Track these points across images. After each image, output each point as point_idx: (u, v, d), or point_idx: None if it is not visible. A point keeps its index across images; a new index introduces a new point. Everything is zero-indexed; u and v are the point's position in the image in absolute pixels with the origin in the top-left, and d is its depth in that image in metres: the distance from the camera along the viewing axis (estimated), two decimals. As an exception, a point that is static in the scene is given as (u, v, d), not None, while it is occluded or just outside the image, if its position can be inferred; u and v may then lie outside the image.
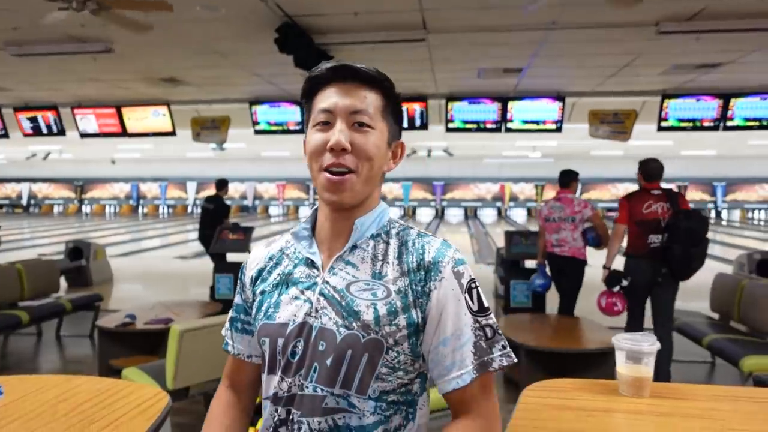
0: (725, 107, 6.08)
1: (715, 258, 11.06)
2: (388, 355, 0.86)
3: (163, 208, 25.85)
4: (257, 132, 7.03)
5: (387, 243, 0.93)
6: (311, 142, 0.92)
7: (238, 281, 1.06)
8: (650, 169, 4.07)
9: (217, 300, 5.41)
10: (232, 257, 6.03)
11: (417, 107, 6.55)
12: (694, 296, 6.04)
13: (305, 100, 0.98)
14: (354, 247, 0.93)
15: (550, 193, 22.91)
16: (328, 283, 0.91)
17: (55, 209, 26.58)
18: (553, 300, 5.27)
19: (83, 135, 7.33)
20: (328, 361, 0.86)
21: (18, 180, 26.08)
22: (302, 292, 0.92)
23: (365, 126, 0.90)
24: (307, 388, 0.87)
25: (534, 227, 5.24)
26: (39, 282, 5.02)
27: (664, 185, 4.18)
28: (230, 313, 1.08)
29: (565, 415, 1.20)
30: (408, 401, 0.90)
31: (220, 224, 6.52)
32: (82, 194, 26.34)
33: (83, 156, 19.81)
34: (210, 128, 7.36)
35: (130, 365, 3.06)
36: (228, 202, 7.45)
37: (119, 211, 26.10)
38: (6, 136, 7.69)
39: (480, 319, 0.89)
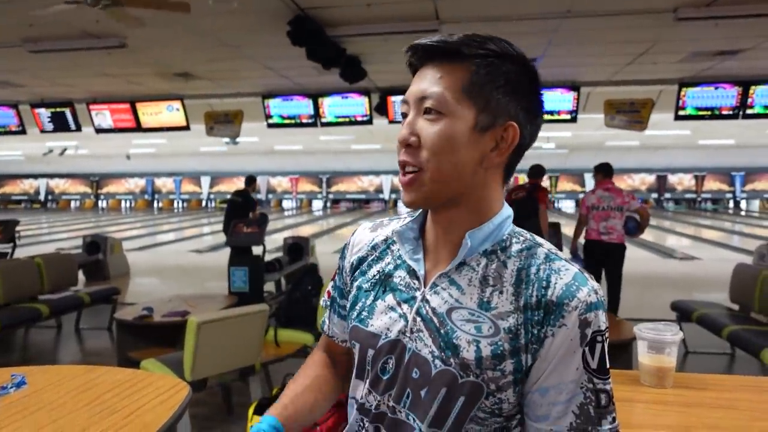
0: (745, 95, 5.96)
1: (735, 248, 10.91)
2: (488, 401, 0.74)
3: (178, 203, 26.09)
4: (270, 126, 7.04)
5: (503, 264, 0.77)
6: None
7: (339, 261, 0.97)
8: (532, 170, 5.55)
9: (233, 293, 5.44)
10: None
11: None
12: (713, 287, 5.98)
13: None
14: (462, 263, 0.79)
15: (564, 184, 22.71)
16: (427, 302, 0.79)
17: (72, 204, 26.96)
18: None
19: (98, 130, 7.40)
20: (422, 393, 0.77)
21: (35, 176, 26.46)
22: (399, 304, 0.82)
23: (433, 112, 0.76)
24: (400, 413, 0.79)
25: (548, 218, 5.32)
26: (58, 276, 5.09)
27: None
28: (330, 292, 1.00)
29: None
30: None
31: (245, 218, 6.74)
32: (98, 189, 26.67)
33: (99, 152, 20.01)
34: (223, 122, 7.39)
35: (149, 357, 3.09)
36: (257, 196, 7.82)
37: (135, 205, 26.39)
38: (23, 132, 7.79)
39: (596, 380, 0.72)
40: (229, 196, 7.94)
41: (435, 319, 0.77)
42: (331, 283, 1.00)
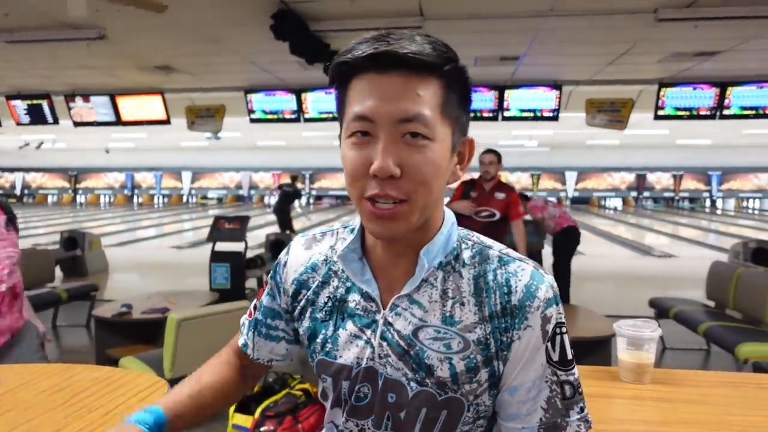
0: (722, 96, 6.07)
1: (711, 247, 11.13)
2: (470, 412, 0.75)
3: (158, 198, 25.75)
4: (253, 121, 6.98)
5: (459, 274, 0.75)
6: (347, 161, 0.70)
7: (270, 280, 0.91)
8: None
9: (214, 289, 5.39)
10: (227, 246, 6.01)
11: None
12: (689, 284, 6.09)
13: (337, 89, 0.73)
14: (420, 281, 0.75)
15: (546, 182, 22.93)
16: (391, 325, 0.76)
17: (50, 199, 26.43)
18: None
19: (77, 124, 7.26)
20: (402, 414, 0.75)
21: (11, 170, 25.89)
22: (362, 330, 0.77)
23: (420, 137, 0.67)
24: None
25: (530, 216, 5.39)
26: (34, 271, 4.99)
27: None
28: (253, 313, 0.94)
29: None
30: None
31: (290, 205, 9.88)
32: (76, 184, 26.19)
33: (77, 145, 19.66)
34: (205, 117, 7.31)
35: (127, 354, 3.05)
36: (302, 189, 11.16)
37: (114, 200, 25.98)
38: (-2, 124, 7.61)
39: (560, 372, 0.73)
40: (279, 188, 10.55)
41: (402, 342, 0.75)
42: (255, 302, 0.95)
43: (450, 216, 0.79)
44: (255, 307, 0.95)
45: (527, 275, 0.73)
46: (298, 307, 0.85)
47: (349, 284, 0.80)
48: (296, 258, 0.87)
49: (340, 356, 0.79)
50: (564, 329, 0.74)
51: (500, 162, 4.32)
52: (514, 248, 0.85)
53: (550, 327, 0.72)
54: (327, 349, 0.80)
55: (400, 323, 0.75)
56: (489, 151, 4.31)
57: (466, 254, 0.76)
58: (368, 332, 0.77)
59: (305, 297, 0.84)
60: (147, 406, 0.82)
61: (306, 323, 0.84)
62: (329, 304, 0.81)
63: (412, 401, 0.74)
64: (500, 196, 4.23)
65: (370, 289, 0.78)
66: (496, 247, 0.78)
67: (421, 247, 0.74)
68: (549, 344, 0.72)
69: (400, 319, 0.75)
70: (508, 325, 0.72)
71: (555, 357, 0.73)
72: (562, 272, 5.37)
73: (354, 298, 0.79)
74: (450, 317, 0.74)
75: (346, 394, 0.80)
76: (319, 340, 0.82)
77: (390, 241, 0.75)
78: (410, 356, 0.74)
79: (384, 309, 0.77)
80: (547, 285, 0.73)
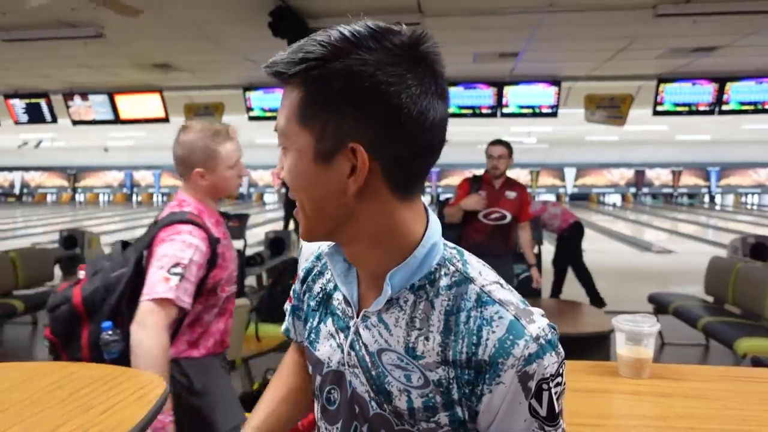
0: (721, 91, 6.06)
1: (710, 242, 11.14)
2: None
3: (158, 197, 25.74)
4: (251, 118, 6.97)
5: (431, 304, 0.69)
6: None
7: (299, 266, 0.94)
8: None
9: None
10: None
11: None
12: (688, 280, 6.09)
13: None
14: (390, 299, 0.71)
15: (545, 178, 22.92)
16: (360, 336, 0.74)
17: (49, 198, 26.43)
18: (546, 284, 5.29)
19: (75, 122, 7.25)
20: (365, 428, 0.75)
21: (10, 169, 25.87)
22: (337, 332, 0.77)
23: (284, 148, 0.69)
24: None
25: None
26: (33, 271, 4.99)
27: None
28: (291, 299, 0.96)
29: (565, 397, 1.20)
30: None
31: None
32: (75, 183, 26.18)
33: (76, 144, 19.63)
34: (204, 115, 7.29)
35: (127, 352, 3.05)
36: None
37: (113, 199, 25.98)
38: (-4, 123, 7.60)
39: (548, 428, 0.67)
40: (284, 183, 10.15)
41: (367, 358, 0.73)
42: (293, 292, 0.96)
43: (432, 235, 0.71)
44: (293, 292, 0.96)
45: (503, 327, 0.65)
46: (303, 291, 0.89)
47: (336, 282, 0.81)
48: (309, 247, 0.90)
49: (318, 349, 0.80)
50: (552, 383, 0.65)
51: (511, 156, 3.76)
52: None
53: (532, 383, 0.64)
54: (311, 338, 0.82)
55: (368, 338, 0.73)
56: (498, 142, 3.73)
57: (443, 282, 0.69)
58: (341, 335, 0.77)
59: (307, 283, 0.87)
60: None
61: (305, 309, 0.87)
62: (320, 295, 0.83)
63: (373, 419, 0.73)
64: (511, 195, 3.73)
65: (348, 292, 0.76)
66: (479, 282, 0.69)
67: (386, 269, 0.69)
68: (533, 401, 0.65)
69: (368, 334, 0.73)
70: (472, 378, 0.66)
71: (543, 412, 0.66)
72: (581, 271, 5.30)
73: (338, 297, 0.79)
74: (413, 349, 0.69)
75: (318, 389, 0.81)
76: (308, 327, 0.84)
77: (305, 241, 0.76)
78: (372, 376, 0.72)
79: (357, 317, 0.75)
80: (527, 339, 0.64)
